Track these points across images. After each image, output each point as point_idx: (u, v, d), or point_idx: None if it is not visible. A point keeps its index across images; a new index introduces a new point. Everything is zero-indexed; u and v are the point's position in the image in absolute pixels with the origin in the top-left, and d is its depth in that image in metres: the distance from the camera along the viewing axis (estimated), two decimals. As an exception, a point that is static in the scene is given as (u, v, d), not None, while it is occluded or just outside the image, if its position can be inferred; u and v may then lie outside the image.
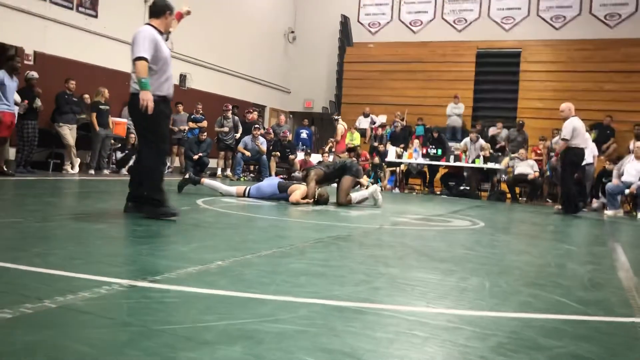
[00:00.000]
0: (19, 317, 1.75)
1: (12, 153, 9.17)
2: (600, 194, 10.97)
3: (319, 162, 11.58)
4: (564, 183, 9.10)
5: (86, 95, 10.73)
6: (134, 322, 1.78)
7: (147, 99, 4.29)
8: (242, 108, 14.50)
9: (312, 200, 6.92)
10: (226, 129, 13.40)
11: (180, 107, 13.29)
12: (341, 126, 14.71)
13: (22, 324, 1.68)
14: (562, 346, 1.88)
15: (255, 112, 14.86)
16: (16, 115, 8.67)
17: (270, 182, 7.06)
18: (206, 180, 7.08)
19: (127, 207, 4.69)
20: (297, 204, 6.67)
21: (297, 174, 7.85)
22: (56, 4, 10.67)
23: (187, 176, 7.06)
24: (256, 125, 13.28)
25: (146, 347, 1.57)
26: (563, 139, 8.70)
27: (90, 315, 1.82)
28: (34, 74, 9.27)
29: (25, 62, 9.92)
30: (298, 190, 6.84)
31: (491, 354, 1.74)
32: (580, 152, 8.78)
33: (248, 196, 6.95)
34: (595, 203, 10.98)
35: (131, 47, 4.42)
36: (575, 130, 8.64)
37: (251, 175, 13.32)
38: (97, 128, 10.40)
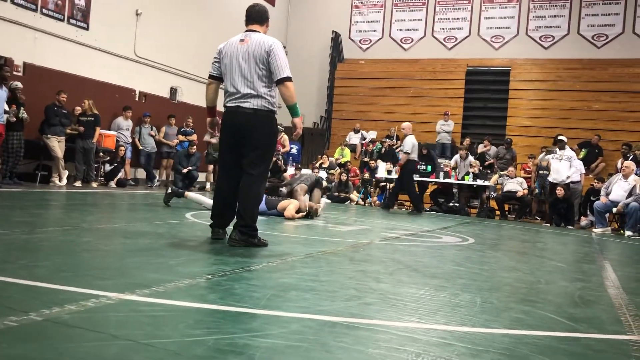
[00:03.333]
0: (3, 329, 1.70)
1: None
2: (588, 212, 11.04)
3: (293, 177, 11.68)
4: (409, 189, 11.01)
5: (78, 108, 10.68)
6: (122, 336, 1.74)
7: (301, 126, 4.07)
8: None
9: (305, 213, 7.00)
10: (215, 140, 13.35)
11: (173, 121, 13.27)
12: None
13: (6, 337, 1.64)
14: (555, 363, 1.86)
15: None
16: (4, 126, 8.59)
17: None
18: (190, 194, 6.95)
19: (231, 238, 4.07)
20: (292, 218, 6.71)
21: (283, 189, 7.75)
22: (47, 15, 10.64)
23: (169, 190, 6.96)
24: None
25: (134, 361, 1.53)
26: (405, 153, 10.50)
27: (77, 329, 1.78)
28: (18, 84, 9.21)
29: (15, 72, 9.86)
30: (291, 205, 6.85)
31: (484, 371, 1.72)
32: (414, 164, 11.09)
33: None
34: (583, 221, 11.05)
35: (268, 59, 3.95)
36: (414, 146, 10.68)
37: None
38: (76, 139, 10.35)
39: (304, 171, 12.91)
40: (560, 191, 10.86)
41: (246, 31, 4.18)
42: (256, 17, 4.22)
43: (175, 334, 1.82)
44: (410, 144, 10.54)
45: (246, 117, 3.99)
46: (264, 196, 7.05)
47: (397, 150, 14.79)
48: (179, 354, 1.63)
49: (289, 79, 3.97)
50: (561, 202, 10.88)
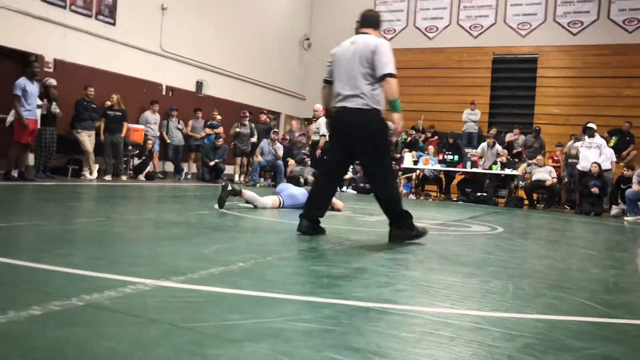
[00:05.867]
0: (47, 313, 1.76)
1: (31, 159, 9.27)
2: (619, 201, 10.84)
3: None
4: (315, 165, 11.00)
5: (108, 103, 10.85)
6: (161, 320, 1.79)
7: (401, 122, 4.16)
8: (255, 114, 14.55)
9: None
10: (244, 131, 13.45)
11: (199, 114, 13.40)
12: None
13: (51, 321, 1.70)
14: (592, 347, 1.85)
15: (267, 116, 14.91)
16: (38, 121, 8.77)
17: (300, 190, 6.72)
18: (246, 192, 6.31)
19: (302, 226, 4.23)
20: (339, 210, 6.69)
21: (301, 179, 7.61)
22: (76, 12, 10.81)
23: (229, 188, 6.03)
24: (275, 130, 13.39)
25: (174, 344, 1.57)
26: (323, 135, 10.58)
27: (117, 314, 1.83)
28: (53, 81, 9.38)
29: (45, 69, 10.06)
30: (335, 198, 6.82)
31: (519, 354, 1.72)
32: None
33: (283, 207, 6.50)
34: (614, 209, 10.86)
35: (372, 57, 4.03)
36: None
37: (268, 181, 13.37)
38: (102, 135, 10.50)
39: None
40: (595, 168, 10.76)
41: (359, 33, 4.29)
42: (371, 21, 4.36)
43: (212, 318, 1.86)
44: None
45: (352, 117, 4.08)
46: (309, 188, 6.92)
47: (420, 140, 14.72)
48: (217, 336, 1.66)
49: (391, 75, 4.02)
50: (595, 178, 10.80)
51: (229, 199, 6.00)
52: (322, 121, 10.64)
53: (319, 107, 10.99)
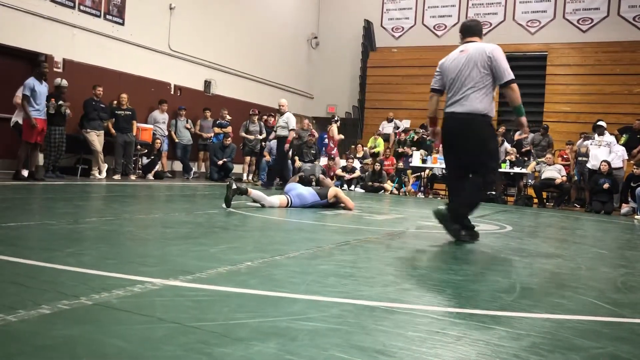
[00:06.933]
0: (57, 312, 1.78)
1: (41, 158, 9.35)
2: (630, 199, 10.77)
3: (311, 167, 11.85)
4: (285, 165, 11.18)
5: (115, 102, 10.91)
6: (169, 319, 1.80)
7: (525, 125, 4.30)
8: (263, 112, 14.58)
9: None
10: (251, 137, 13.47)
11: (208, 113, 13.44)
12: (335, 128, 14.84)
13: (60, 319, 1.72)
14: (600, 347, 1.84)
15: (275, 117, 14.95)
16: (47, 121, 8.82)
17: (309, 190, 6.74)
18: (253, 192, 6.30)
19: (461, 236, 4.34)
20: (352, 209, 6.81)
21: (323, 177, 7.63)
22: (84, 12, 10.88)
23: (234, 187, 6.01)
24: None
25: (182, 343, 1.59)
26: (292, 129, 10.77)
27: (125, 312, 1.85)
28: (65, 82, 9.40)
29: (55, 69, 10.13)
30: (344, 195, 6.89)
31: (525, 354, 1.72)
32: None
33: (291, 206, 6.50)
34: (624, 208, 10.78)
35: (490, 63, 4.17)
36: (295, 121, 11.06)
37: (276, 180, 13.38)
38: (114, 133, 10.56)
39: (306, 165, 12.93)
40: (604, 166, 10.70)
41: (463, 43, 4.45)
42: (475, 30, 4.52)
43: (220, 317, 1.87)
44: (293, 120, 10.93)
45: (460, 122, 4.24)
46: (318, 188, 6.96)
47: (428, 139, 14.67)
48: (225, 335, 1.67)
49: (513, 81, 4.16)
50: (605, 176, 10.75)
51: (235, 197, 6.00)
52: (289, 115, 10.86)
53: (285, 102, 11.10)
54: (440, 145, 4.74)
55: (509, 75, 4.15)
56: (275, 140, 12.97)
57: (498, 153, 4.52)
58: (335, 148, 14.55)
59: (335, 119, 15.22)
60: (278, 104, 11.15)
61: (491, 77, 4.19)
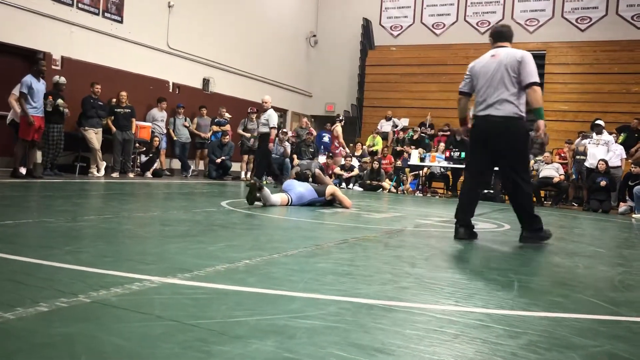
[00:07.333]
0: (55, 310, 1.78)
1: (39, 156, 9.33)
2: (627, 198, 10.78)
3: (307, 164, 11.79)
4: (268, 160, 10.90)
5: (114, 100, 10.90)
6: (167, 317, 1.80)
7: (542, 128, 4.45)
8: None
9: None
10: (249, 135, 13.45)
11: (204, 111, 13.43)
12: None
13: (58, 317, 1.72)
14: (598, 345, 1.85)
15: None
16: (44, 118, 8.81)
17: (307, 188, 6.70)
18: (264, 189, 6.17)
19: (460, 233, 4.51)
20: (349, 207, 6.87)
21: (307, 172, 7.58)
22: (83, 9, 10.86)
23: (258, 184, 5.97)
24: (284, 130, 13.42)
25: (180, 340, 1.59)
26: (273, 127, 10.50)
27: (123, 310, 1.85)
28: (63, 80, 9.39)
29: (53, 67, 10.12)
30: (340, 193, 6.91)
31: (523, 352, 1.72)
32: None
33: (291, 204, 6.47)
34: (622, 206, 10.80)
35: (519, 67, 4.32)
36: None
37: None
38: (114, 130, 10.55)
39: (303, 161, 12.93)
40: (602, 165, 10.72)
41: (494, 48, 4.59)
42: (506, 35, 4.67)
43: (218, 315, 1.87)
44: (275, 117, 10.68)
45: (496, 124, 4.37)
46: (315, 185, 6.94)
47: (427, 137, 14.69)
48: (223, 333, 1.68)
49: (537, 84, 4.32)
50: (602, 175, 10.76)
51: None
52: (271, 112, 10.64)
53: (269, 98, 10.87)
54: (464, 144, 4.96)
55: (534, 77, 4.30)
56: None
57: (528, 153, 4.77)
58: (341, 147, 14.56)
59: (340, 118, 15.23)
60: (261, 100, 10.97)
61: (518, 79, 4.34)
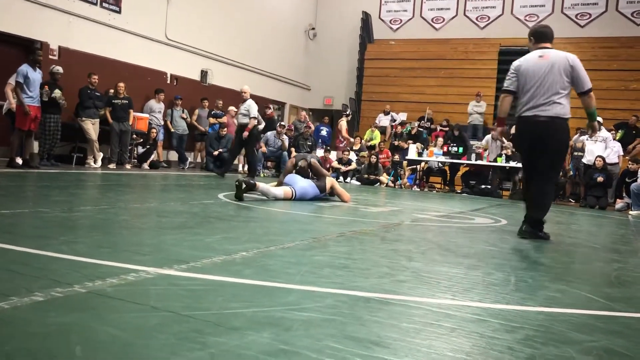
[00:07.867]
0: (50, 300, 1.77)
1: (35, 146, 9.29)
2: (624, 194, 10.80)
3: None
4: (252, 154, 11.03)
5: (112, 91, 10.85)
6: (163, 308, 1.79)
7: (595, 128, 4.69)
8: (260, 104, 14.54)
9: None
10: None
11: (206, 103, 13.41)
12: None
13: (54, 307, 1.71)
14: (594, 340, 1.85)
15: (272, 109, 14.92)
16: (41, 108, 8.77)
17: (310, 184, 6.66)
18: (260, 185, 6.14)
19: (522, 230, 4.67)
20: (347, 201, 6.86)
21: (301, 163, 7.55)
22: (81, -1, 10.80)
23: (244, 186, 5.90)
24: (282, 123, 13.41)
25: (176, 331, 1.58)
26: (253, 118, 10.48)
27: (119, 301, 1.84)
28: (59, 69, 9.36)
29: (50, 57, 10.07)
30: (339, 187, 6.92)
31: (519, 346, 1.72)
32: (257, 128, 11.22)
33: (294, 199, 6.41)
34: (619, 203, 10.82)
35: (571, 72, 4.45)
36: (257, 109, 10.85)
37: (272, 171, 13.37)
38: (111, 121, 10.50)
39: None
40: (599, 162, 10.73)
41: (540, 48, 4.64)
42: (550, 36, 4.75)
43: (214, 306, 1.87)
44: (255, 108, 10.63)
45: (543, 125, 4.42)
46: (315, 180, 6.90)
47: (425, 132, 14.69)
48: (219, 325, 1.67)
49: (592, 89, 4.48)
50: (599, 171, 10.78)
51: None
52: (251, 103, 10.52)
53: (247, 88, 10.79)
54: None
55: (589, 83, 4.44)
56: (272, 132, 12.94)
57: (565, 154, 4.94)
58: (345, 142, 14.54)
59: (347, 112, 15.20)
60: (240, 90, 10.84)
61: (571, 83, 4.44)
